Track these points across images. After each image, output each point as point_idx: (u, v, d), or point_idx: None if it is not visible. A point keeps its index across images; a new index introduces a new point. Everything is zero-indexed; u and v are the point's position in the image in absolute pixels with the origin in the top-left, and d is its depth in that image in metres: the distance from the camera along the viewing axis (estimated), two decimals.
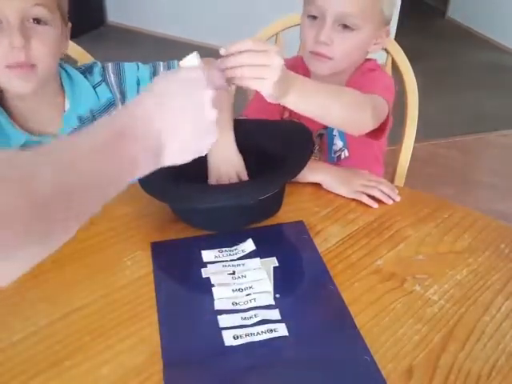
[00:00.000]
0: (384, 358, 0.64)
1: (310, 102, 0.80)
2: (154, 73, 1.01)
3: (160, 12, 3.79)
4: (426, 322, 0.69)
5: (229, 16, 3.43)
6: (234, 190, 0.82)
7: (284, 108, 1.13)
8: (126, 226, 0.86)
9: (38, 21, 0.84)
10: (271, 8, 2.80)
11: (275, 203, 0.89)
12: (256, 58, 0.68)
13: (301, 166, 0.83)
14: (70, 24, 0.94)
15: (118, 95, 1.00)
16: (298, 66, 1.09)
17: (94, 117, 0.99)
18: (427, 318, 0.70)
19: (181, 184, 0.81)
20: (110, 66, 1.00)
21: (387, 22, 1.02)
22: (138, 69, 1.01)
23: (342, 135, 1.08)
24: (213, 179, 0.86)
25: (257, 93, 1.13)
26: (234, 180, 0.85)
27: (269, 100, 0.73)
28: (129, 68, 1.01)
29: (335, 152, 1.11)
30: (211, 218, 0.85)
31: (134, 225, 0.87)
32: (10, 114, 0.94)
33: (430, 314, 0.70)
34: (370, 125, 0.91)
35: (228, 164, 0.86)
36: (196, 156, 0.61)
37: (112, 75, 1.00)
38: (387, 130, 1.00)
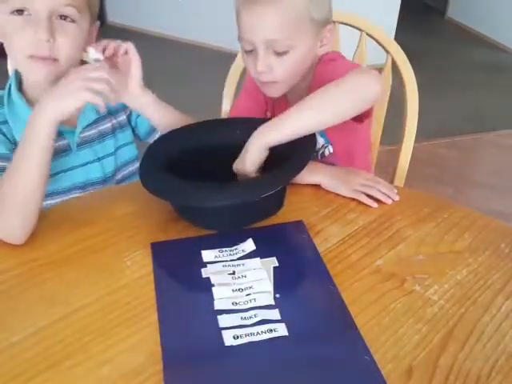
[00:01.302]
0: (384, 358, 0.64)
1: (302, 125, 0.85)
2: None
3: (160, 12, 3.79)
4: (425, 322, 0.69)
5: (229, 16, 3.42)
6: (239, 187, 0.82)
7: (267, 108, 1.14)
8: (126, 226, 0.86)
9: (65, 17, 0.87)
10: None
11: (278, 201, 0.89)
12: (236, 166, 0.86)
13: (305, 161, 0.84)
14: (98, 22, 0.98)
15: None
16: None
17: (110, 112, 1.01)
18: (427, 317, 0.70)
19: (185, 182, 0.81)
20: None
21: (325, 23, 0.98)
22: None
23: (321, 132, 1.07)
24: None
25: (242, 92, 1.15)
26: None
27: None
28: None
29: (317, 149, 1.10)
30: (214, 217, 0.85)
31: (134, 225, 0.87)
32: (29, 101, 0.96)
33: (429, 314, 0.70)
34: (377, 88, 0.89)
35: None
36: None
37: None
38: (371, 111, 0.99)
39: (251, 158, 0.84)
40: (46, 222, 0.87)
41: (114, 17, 4.03)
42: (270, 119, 0.88)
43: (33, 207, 0.81)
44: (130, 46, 0.95)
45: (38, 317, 0.69)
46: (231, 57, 1.27)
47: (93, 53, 0.91)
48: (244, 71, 1.26)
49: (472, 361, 0.64)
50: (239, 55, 1.26)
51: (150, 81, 1.14)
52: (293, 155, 0.84)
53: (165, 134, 0.97)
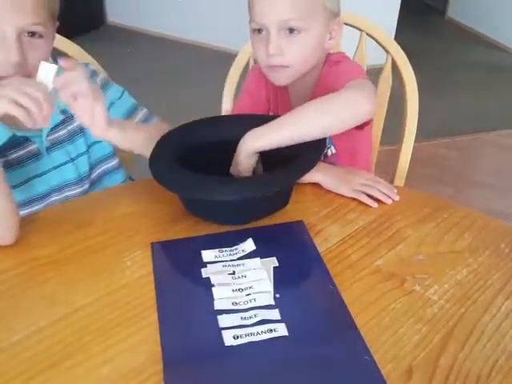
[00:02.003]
0: (384, 358, 0.64)
1: (295, 133, 0.85)
2: (132, 111, 1.06)
3: (160, 12, 3.79)
4: (425, 322, 0.69)
5: (229, 16, 3.43)
6: (254, 181, 0.83)
7: (269, 108, 1.14)
8: (126, 226, 0.86)
9: (32, 34, 0.85)
10: None
11: (286, 197, 0.89)
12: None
13: (316, 159, 0.84)
14: (57, 23, 0.95)
15: None
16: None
17: None
18: (427, 317, 0.70)
19: (196, 175, 0.81)
20: (101, 74, 1.05)
21: (335, 15, 1.00)
22: (121, 96, 1.06)
23: None
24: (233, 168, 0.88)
25: (243, 93, 1.15)
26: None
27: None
28: (113, 90, 1.05)
29: None
30: (222, 211, 0.86)
31: (134, 225, 0.87)
32: None
33: (429, 314, 0.70)
34: (367, 107, 0.88)
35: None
36: None
37: (99, 82, 1.03)
38: (371, 119, 0.98)
39: (242, 162, 0.86)
40: (46, 221, 0.87)
41: (113, 17, 4.03)
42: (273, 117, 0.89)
43: (8, 208, 0.81)
44: (87, 92, 0.80)
45: (38, 316, 0.69)
46: (231, 57, 1.27)
47: (44, 74, 0.78)
48: (244, 71, 1.27)
49: (472, 361, 0.64)
50: (239, 55, 1.26)
51: (150, 81, 1.14)
52: (303, 153, 0.84)
53: (173, 129, 0.96)
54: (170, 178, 0.83)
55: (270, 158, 0.86)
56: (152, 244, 0.82)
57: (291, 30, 0.94)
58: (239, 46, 1.27)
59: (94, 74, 1.04)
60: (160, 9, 3.78)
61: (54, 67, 0.78)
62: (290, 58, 0.97)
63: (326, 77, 1.02)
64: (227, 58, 1.36)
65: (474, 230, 0.87)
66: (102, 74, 1.05)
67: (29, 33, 0.85)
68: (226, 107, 1.29)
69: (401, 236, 0.85)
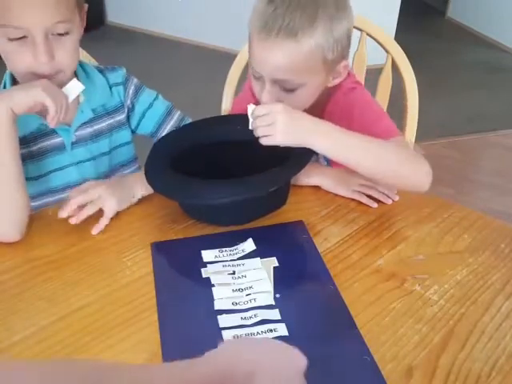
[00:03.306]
0: (384, 358, 0.64)
1: (340, 145, 0.84)
2: (168, 113, 1.08)
3: (160, 12, 3.79)
4: (426, 322, 0.69)
5: (229, 16, 3.43)
6: (247, 182, 0.83)
7: None
8: (126, 226, 0.86)
9: (59, 33, 0.86)
10: None
11: (281, 196, 0.89)
12: (262, 120, 0.82)
13: (309, 156, 0.84)
14: (86, 6, 0.95)
15: (129, 104, 1.05)
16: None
17: (106, 112, 1.02)
18: (427, 318, 0.70)
19: (191, 180, 0.81)
20: (134, 79, 1.06)
21: (339, 61, 0.91)
22: (156, 98, 1.08)
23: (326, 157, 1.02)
24: None
25: (242, 92, 1.14)
26: None
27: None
28: (147, 93, 1.07)
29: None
30: (219, 213, 0.86)
31: (134, 225, 0.87)
32: None
33: (430, 314, 0.70)
34: (425, 183, 0.89)
35: None
36: None
37: (133, 86, 1.05)
38: None
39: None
40: (46, 221, 0.87)
41: (113, 17, 4.03)
42: None
43: (19, 203, 0.83)
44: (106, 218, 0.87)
45: (38, 316, 0.69)
46: (231, 57, 1.27)
47: (70, 88, 0.89)
48: (244, 71, 1.26)
49: (472, 361, 0.64)
50: (239, 55, 1.26)
51: (150, 81, 1.14)
52: (295, 152, 0.84)
53: (169, 132, 0.97)
54: (162, 183, 0.84)
55: (263, 159, 0.86)
56: (152, 244, 0.82)
57: (286, 89, 0.89)
58: (239, 46, 1.27)
59: (128, 79, 1.05)
60: (160, 9, 3.78)
61: (80, 87, 0.89)
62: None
63: (339, 103, 0.99)
64: (227, 57, 1.36)
65: (474, 230, 0.87)
66: (136, 79, 1.06)
67: (55, 33, 0.85)
68: (226, 107, 1.29)
69: (401, 236, 0.85)
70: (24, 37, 0.83)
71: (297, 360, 0.51)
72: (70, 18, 0.87)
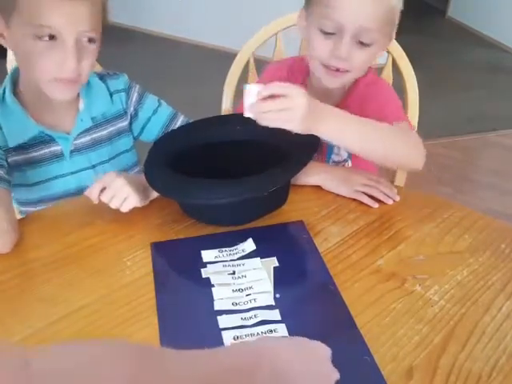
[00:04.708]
0: (384, 358, 0.63)
1: (345, 131, 0.84)
2: (172, 119, 1.07)
3: (160, 12, 3.79)
4: (426, 323, 0.69)
5: (229, 16, 3.43)
6: (246, 182, 0.83)
7: None
8: (126, 226, 0.86)
9: (89, 40, 0.88)
10: (271, 8, 2.80)
11: (281, 196, 0.89)
12: (279, 104, 0.75)
13: (309, 156, 0.84)
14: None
15: (132, 111, 1.05)
16: (296, 67, 1.08)
17: (106, 120, 1.01)
18: (428, 318, 0.70)
19: (190, 180, 0.81)
20: (137, 85, 1.06)
21: (392, 36, 1.01)
22: (160, 104, 1.07)
23: None
24: None
25: (275, 63, 1.14)
26: None
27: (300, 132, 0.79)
28: (151, 99, 1.07)
29: (337, 162, 1.10)
30: (219, 213, 0.86)
31: (134, 225, 0.87)
32: (24, 103, 0.96)
33: (430, 315, 0.70)
34: (422, 165, 0.92)
35: None
36: None
37: (136, 93, 1.05)
38: None
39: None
40: (46, 222, 0.87)
41: (114, 17, 4.02)
42: None
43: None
44: None
45: (38, 317, 0.69)
46: (231, 57, 1.27)
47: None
48: (244, 71, 1.26)
49: (473, 361, 0.64)
50: (239, 55, 1.26)
51: (150, 81, 1.14)
52: (295, 152, 0.84)
53: (169, 132, 0.98)
54: (163, 183, 0.84)
55: (263, 159, 0.86)
56: (152, 244, 0.82)
57: (362, 43, 0.92)
58: (239, 45, 1.27)
59: (131, 85, 1.05)
60: (160, 9, 3.78)
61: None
62: (354, 64, 0.95)
63: (362, 94, 1.02)
64: (227, 58, 1.36)
65: (475, 230, 0.87)
66: (138, 86, 1.06)
67: (83, 40, 0.87)
68: (226, 107, 1.29)
69: (401, 236, 0.85)
70: (53, 38, 0.83)
71: (321, 349, 0.55)
72: (98, 27, 0.88)
